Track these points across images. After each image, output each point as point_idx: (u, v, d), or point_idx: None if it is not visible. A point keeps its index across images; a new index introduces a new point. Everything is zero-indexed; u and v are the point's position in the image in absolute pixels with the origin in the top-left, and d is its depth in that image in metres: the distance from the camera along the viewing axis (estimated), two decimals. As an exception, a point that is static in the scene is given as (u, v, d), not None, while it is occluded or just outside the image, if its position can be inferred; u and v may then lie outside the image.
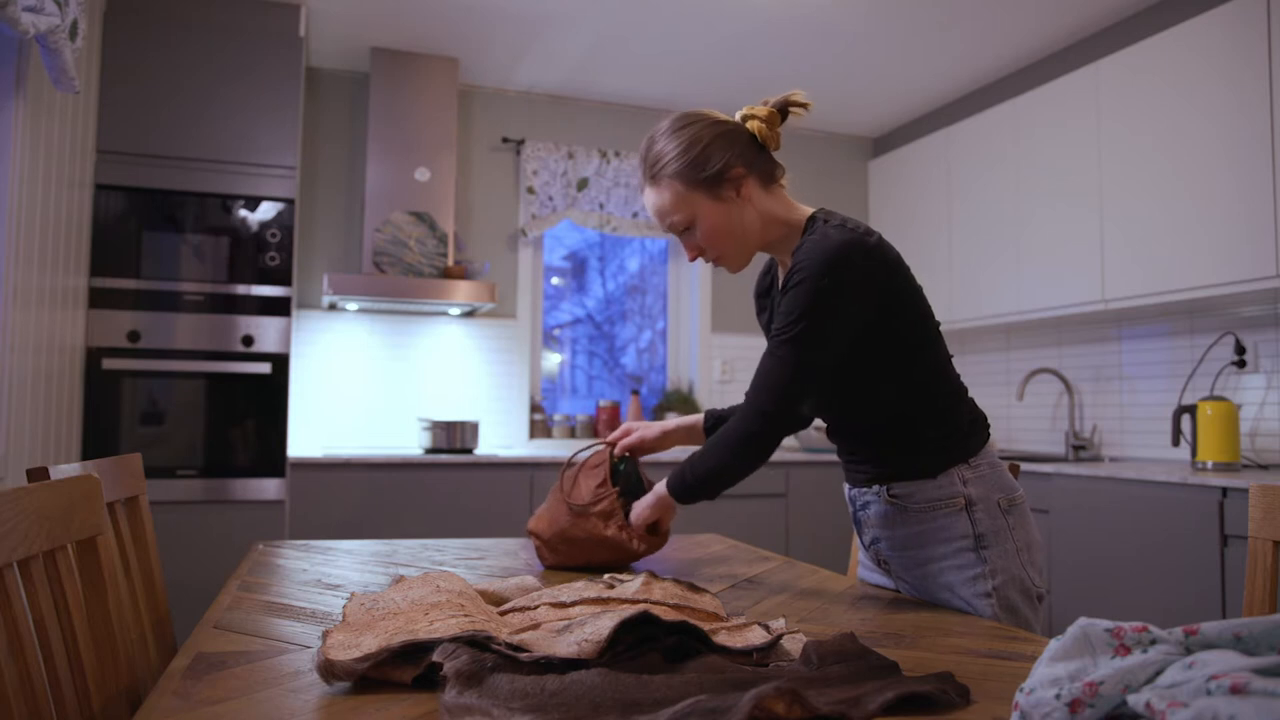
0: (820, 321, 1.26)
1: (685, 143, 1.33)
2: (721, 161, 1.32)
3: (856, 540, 1.64)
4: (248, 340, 3.23)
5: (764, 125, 1.35)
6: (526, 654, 0.85)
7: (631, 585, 1.10)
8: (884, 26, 3.55)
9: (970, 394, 1.44)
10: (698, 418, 1.66)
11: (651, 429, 1.63)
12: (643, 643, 0.88)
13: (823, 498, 3.94)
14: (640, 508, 1.47)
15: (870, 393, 1.34)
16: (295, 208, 3.34)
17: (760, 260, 1.57)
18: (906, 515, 1.37)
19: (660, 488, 1.44)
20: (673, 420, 1.67)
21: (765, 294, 1.55)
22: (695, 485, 1.38)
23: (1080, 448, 3.57)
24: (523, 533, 3.54)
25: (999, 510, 1.34)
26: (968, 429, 1.38)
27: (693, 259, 1.43)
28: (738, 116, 1.38)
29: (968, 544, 1.32)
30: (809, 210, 1.40)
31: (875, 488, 1.40)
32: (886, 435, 1.38)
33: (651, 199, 1.39)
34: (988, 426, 1.41)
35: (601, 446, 1.61)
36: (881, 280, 1.29)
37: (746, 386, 5.19)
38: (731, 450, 1.34)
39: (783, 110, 1.37)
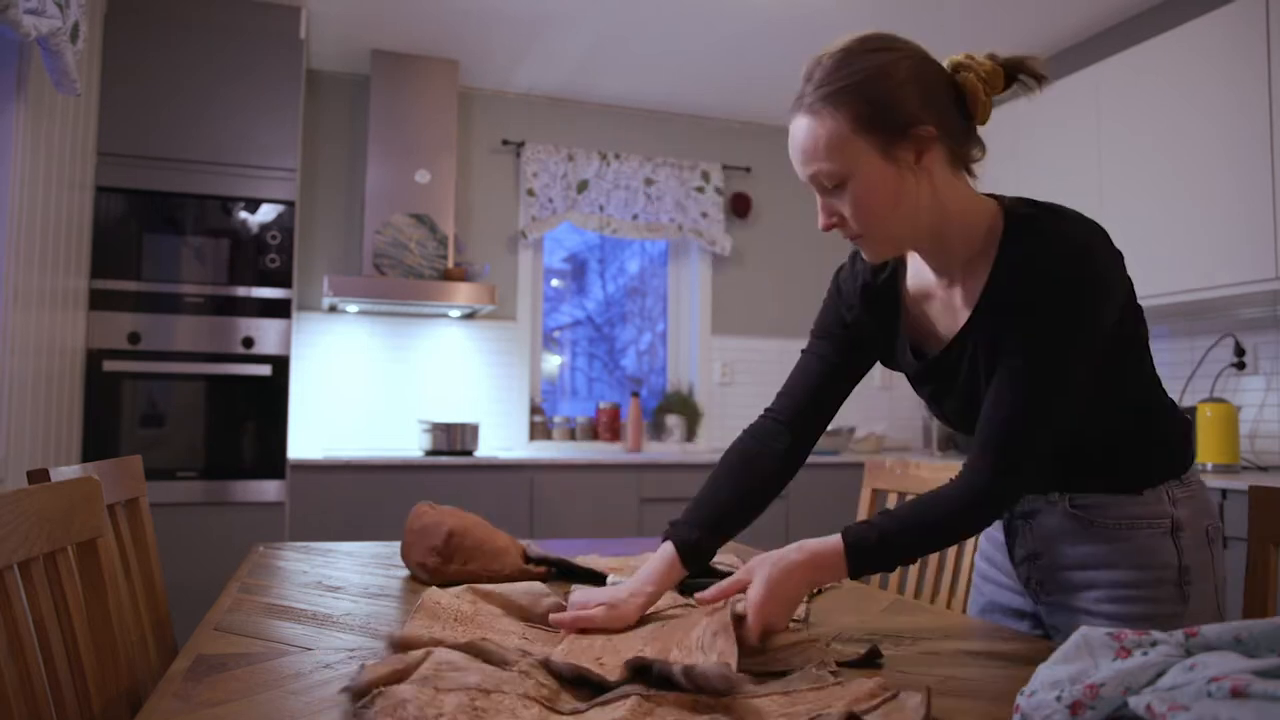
0: (1090, 341, 1.00)
1: (872, 71, 0.99)
2: (912, 108, 0.99)
3: (974, 561, 1.37)
4: (248, 342, 3.23)
5: (982, 84, 1.01)
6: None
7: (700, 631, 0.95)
8: (884, 27, 3.54)
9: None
10: (669, 554, 1.11)
11: (629, 605, 1.07)
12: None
13: (823, 498, 3.93)
14: (768, 603, 0.98)
15: (1093, 401, 1.06)
16: (295, 210, 3.34)
17: (842, 250, 1.23)
18: (1091, 531, 1.12)
19: (829, 552, 1.01)
20: (639, 578, 1.10)
21: (863, 304, 1.19)
22: (899, 560, 1.04)
23: (1081, 449, 3.57)
24: (522, 533, 3.54)
25: (1205, 540, 1.11)
26: (1179, 440, 1.15)
27: (825, 228, 1.05)
28: (946, 64, 1.05)
29: (1170, 575, 1.08)
30: (991, 203, 1.09)
31: (1051, 495, 1.15)
32: (1092, 442, 1.11)
33: (800, 133, 1.02)
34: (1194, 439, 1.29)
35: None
36: (1123, 272, 1.05)
37: (747, 389, 5.09)
38: (956, 521, 1.02)
39: (1010, 73, 1.03)
